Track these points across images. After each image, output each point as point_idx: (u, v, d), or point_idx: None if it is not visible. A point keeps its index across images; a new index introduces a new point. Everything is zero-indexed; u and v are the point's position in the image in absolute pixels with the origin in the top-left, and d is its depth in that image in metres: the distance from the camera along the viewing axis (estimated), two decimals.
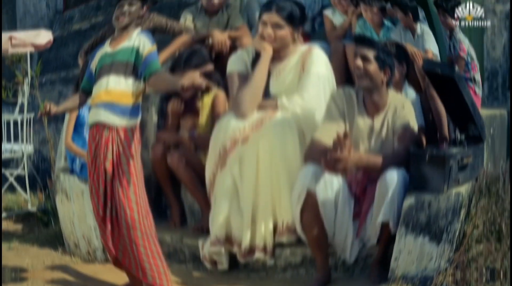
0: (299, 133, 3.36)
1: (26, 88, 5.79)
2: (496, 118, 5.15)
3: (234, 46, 4.23)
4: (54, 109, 3.66)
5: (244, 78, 3.46)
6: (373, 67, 3.52)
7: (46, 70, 7.35)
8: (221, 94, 3.79)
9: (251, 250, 3.43)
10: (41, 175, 5.94)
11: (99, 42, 4.37)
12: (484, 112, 5.23)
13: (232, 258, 3.58)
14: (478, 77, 4.84)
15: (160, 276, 3.29)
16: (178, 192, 4.00)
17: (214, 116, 3.75)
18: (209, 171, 3.43)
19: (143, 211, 3.25)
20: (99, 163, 3.34)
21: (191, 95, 3.70)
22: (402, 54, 4.32)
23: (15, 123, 5.78)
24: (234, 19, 4.40)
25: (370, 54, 3.58)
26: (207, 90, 3.70)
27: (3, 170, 5.49)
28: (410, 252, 3.84)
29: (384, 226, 3.41)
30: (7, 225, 5.65)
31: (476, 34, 5.52)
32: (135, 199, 3.21)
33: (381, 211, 3.30)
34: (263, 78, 3.44)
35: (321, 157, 3.24)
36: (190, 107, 3.77)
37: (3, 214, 5.13)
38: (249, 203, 3.34)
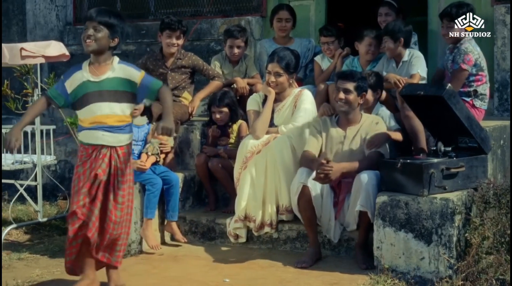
0: (291, 148, 5.99)
1: (36, 99, 6.12)
2: (506, 129, 6.22)
3: (251, 89, 6.85)
4: (17, 130, 4.50)
5: (257, 113, 6.15)
6: (352, 96, 5.67)
7: None
8: (244, 124, 6.76)
9: (262, 225, 5.98)
10: (66, 184, 6.28)
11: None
12: (493, 123, 5.81)
13: (249, 233, 6.06)
14: (483, 89, 5.30)
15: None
16: (214, 186, 6.79)
17: (239, 137, 6.65)
18: (236, 171, 6.07)
19: (128, 209, 4.73)
20: (91, 170, 4.53)
21: (225, 124, 6.50)
22: (378, 83, 6.17)
23: (25, 134, 6.02)
24: (251, 69, 7.09)
25: (351, 86, 5.67)
26: (235, 121, 6.47)
27: (13, 181, 5.79)
28: (394, 245, 5.16)
29: (363, 214, 5.47)
30: (17, 236, 5.95)
31: (486, 45, 5.89)
32: (122, 200, 4.65)
33: (357, 202, 5.41)
34: (269, 114, 6.07)
35: (310, 163, 5.53)
36: (224, 131, 6.56)
37: (13, 225, 5.46)
38: (260, 191, 5.92)
